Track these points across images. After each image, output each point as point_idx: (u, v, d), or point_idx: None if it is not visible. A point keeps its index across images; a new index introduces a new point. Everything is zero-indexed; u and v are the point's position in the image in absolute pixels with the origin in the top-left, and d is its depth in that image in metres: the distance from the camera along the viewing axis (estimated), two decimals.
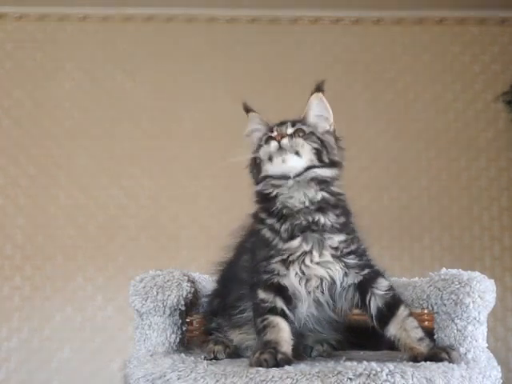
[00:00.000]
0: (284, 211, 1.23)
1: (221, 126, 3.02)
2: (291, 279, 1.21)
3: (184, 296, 1.37)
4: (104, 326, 2.90)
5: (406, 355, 1.15)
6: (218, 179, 2.96)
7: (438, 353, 1.13)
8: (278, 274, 1.21)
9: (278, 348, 1.12)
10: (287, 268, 1.21)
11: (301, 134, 1.23)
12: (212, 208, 2.96)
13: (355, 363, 1.06)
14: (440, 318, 1.26)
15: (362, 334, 1.40)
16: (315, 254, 1.20)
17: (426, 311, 1.47)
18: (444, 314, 1.24)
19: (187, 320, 1.47)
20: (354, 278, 1.22)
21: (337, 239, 1.21)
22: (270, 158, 1.22)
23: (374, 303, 1.21)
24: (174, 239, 2.95)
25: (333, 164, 1.25)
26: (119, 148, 3.02)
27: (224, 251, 1.40)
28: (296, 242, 1.20)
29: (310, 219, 1.21)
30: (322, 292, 1.22)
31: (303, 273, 1.20)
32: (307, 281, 1.21)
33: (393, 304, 1.20)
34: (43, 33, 3.08)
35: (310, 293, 1.21)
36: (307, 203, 1.22)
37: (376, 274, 1.24)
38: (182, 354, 1.28)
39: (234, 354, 1.28)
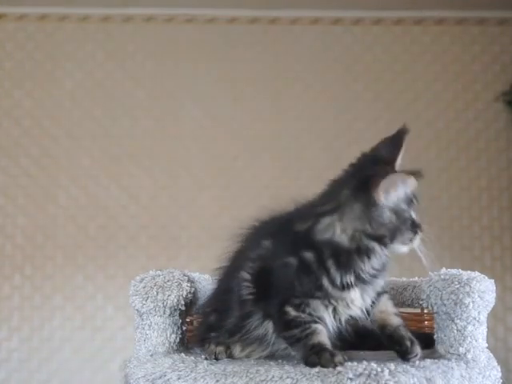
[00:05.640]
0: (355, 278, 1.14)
1: (221, 126, 3.02)
2: (324, 314, 1.14)
3: (184, 296, 1.36)
4: (104, 325, 2.90)
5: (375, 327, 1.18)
6: (218, 179, 2.96)
7: (402, 338, 1.13)
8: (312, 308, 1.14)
9: (328, 347, 1.09)
10: (326, 308, 1.14)
11: None
12: (212, 208, 2.96)
13: (355, 363, 1.06)
14: (440, 318, 1.26)
15: (361, 334, 1.40)
16: (361, 300, 1.15)
17: (425, 311, 1.47)
18: (444, 314, 1.24)
19: (187, 320, 1.47)
20: None
21: (381, 283, 1.18)
22: (406, 242, 1.21)
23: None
24: (174, 239, 2.96)
25: None
26: (119, 148, 3.02)
27: (221, 257, 1.32)
28: (352, 294, 1.14)
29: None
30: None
31: (338, 311, 1.16)
32: (339, 315, 1.16)
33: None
34: (43, 33, 3.08)
35: (339, 323, 1.17)
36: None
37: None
38: (182, 354, 1.28)
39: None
